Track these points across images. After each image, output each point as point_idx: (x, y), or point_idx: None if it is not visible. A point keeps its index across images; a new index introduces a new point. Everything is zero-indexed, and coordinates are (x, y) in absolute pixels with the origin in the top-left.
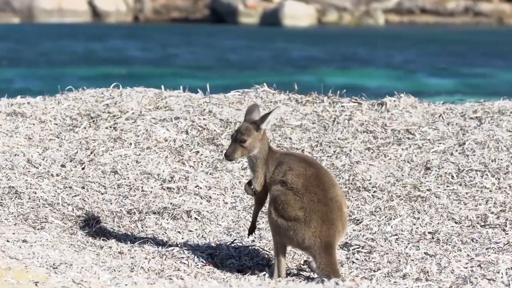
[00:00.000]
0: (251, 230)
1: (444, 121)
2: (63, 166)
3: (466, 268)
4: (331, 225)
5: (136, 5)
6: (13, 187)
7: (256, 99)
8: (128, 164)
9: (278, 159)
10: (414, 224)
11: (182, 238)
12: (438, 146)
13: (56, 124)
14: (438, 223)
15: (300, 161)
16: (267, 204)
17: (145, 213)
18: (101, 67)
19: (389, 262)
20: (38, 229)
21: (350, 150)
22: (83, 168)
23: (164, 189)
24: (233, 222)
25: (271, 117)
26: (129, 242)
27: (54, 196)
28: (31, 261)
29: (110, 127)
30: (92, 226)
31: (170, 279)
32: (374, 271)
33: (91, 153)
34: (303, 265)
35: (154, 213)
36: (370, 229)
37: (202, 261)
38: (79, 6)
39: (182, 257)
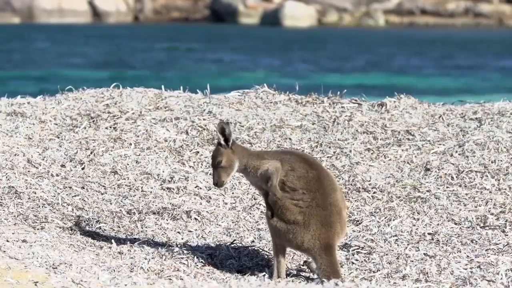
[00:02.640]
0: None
1: (444, 122)
2: (63, 166)
3: (465, 269)
4: (329, 228)
5: (136, 5)
6: (13, 187)
7: (256, 100)
8: (128, 164)
9: (277, 156)
10: (414, 225)
11: (182, 239)
12: (438, 147)
13: (56, 124)
14: (438, 224)
15: (302, 162)
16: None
17: (145, 213)
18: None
19: (389, 263)
20: (37, 229)
21: (350, 151)
22: (83, 168)
23: (164, 190)
24: (232, 222)
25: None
26: (128, 242)
27: (54, 196)
28: (31, 261)
29: (110, 127)
30: (92, 226)
31: (170, 279)
32: (373, 272)
33: (91, 153)
34: (302, 265)
35: (154, 213)
36: (370, 230)
37: (201, 262)
38: (79, 6)
39: (182, 258)
